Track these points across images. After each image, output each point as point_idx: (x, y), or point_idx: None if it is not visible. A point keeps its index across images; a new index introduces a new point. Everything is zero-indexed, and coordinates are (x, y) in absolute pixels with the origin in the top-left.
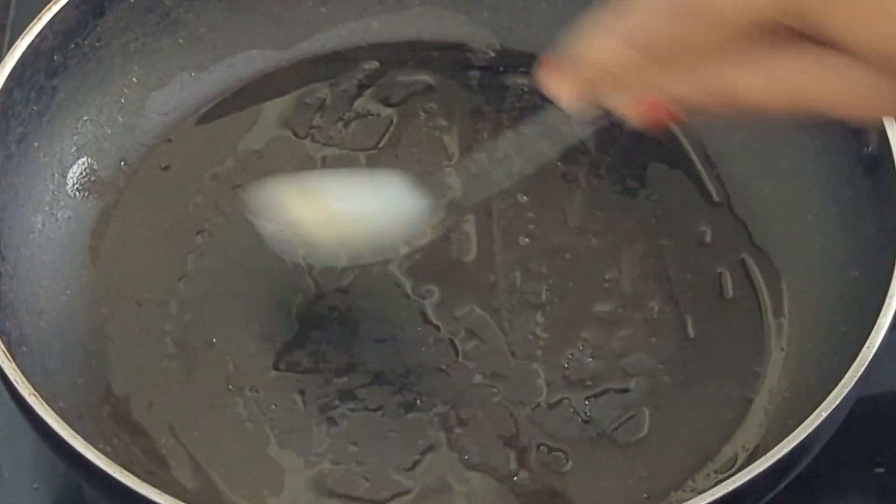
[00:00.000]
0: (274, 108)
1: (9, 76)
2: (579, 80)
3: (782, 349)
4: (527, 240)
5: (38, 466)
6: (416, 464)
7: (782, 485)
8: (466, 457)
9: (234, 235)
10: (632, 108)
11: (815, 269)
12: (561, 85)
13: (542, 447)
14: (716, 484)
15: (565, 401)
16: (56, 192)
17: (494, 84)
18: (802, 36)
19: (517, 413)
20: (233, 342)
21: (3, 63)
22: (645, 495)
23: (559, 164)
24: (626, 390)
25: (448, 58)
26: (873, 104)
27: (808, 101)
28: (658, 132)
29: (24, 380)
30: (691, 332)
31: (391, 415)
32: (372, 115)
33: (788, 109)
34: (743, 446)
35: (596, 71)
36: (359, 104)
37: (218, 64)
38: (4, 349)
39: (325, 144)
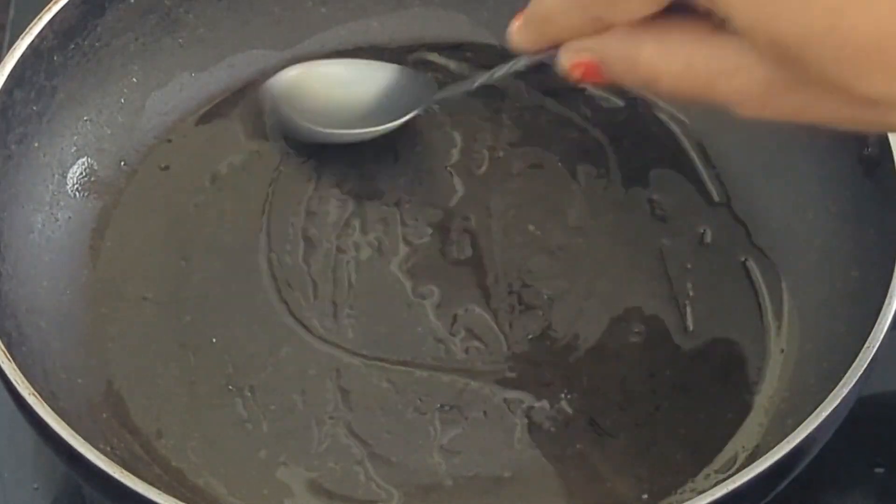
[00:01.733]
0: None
1: (9, 76)
2: (529, 18)
3: (782, 349)
4: (527, 240)
5: (38, 466)
6: (415, 464)
7: (782, 485)
8: (466, 457)
9: (234, 235)
10: (568, 60)
11: (815, 269)
12: (515, 24)
13: (547, 455)
14: (716, 484)
15: (565, 401)
16: (56, 192)
17: (494, 84)
18: (710, 20)
19: (517, 413)
20: (232, 342)
21: (3, 63)
22: (645, 495)
23: (559, 163)
24: (626, 390)
25: (448, 58)
26: (754, 95)
27: (713, 90)
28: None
29: (24, 380)
30: (691, 331)
31: (391, 415)
32: None
33: (696, 96)
34: (743, 446)
35: (540, 10)
36: None
37: (218, 64)
38: (4, 349)
39: (324, 143)
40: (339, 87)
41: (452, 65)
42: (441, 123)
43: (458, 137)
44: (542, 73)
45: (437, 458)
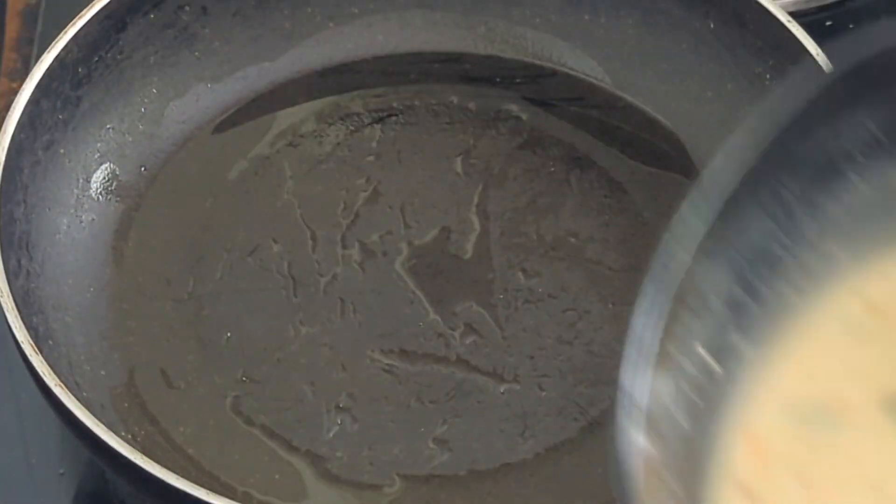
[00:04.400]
0: (284, 117)
1: (36, 87)
2: None
3: None
4: (524, 241)
5: (64, 453)
6: (416, 452)
7: None
8: (465, 446)
9: (247, 236)
10: None
11: None
12: None
13: (540, 443)
14: None
15: (563, 397)
16: (80, 196)
17: (492, 94)
18: None
19: (515, 407)
20: (246, 337)
21: (31, 74)
22: None
23: (557, 166)
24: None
25: (448, 69)
26: None
27: None
28: None
29: (51, 371)
30: None
31: (394, 405)
32: (376, 122)
33: None
34: None
35: None
36: (364, 112)
37: (232, 76)
38: (32, 343)
39: (332, 150)
40: None
41: (453, 76)
42: (442, 127)
43: (458, 140)
44: (537, 84)
45: (436, 448)
